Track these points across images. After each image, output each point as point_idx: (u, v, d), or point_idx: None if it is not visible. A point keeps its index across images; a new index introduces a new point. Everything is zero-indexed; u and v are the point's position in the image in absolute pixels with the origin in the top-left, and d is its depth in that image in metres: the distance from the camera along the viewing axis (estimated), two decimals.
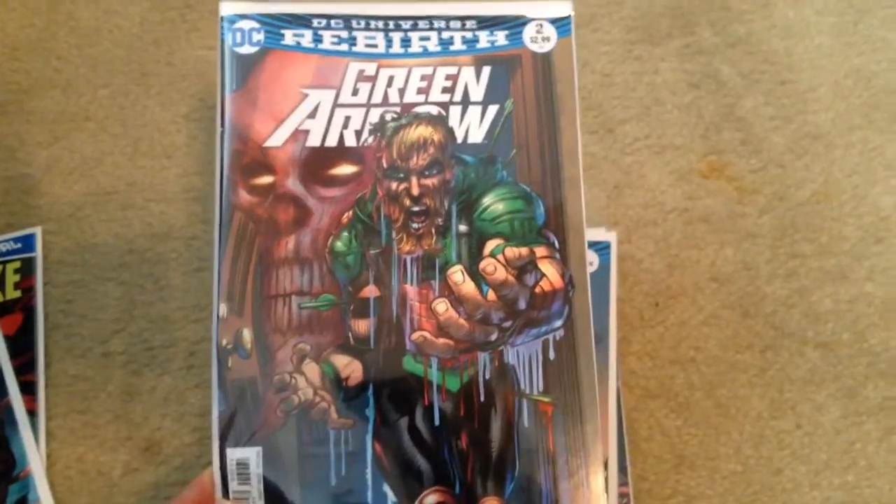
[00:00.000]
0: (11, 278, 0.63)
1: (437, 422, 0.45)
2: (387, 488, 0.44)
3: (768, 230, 0.66)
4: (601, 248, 0.64)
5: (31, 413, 0.60)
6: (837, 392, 0.63)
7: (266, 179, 0.47)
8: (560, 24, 0.50)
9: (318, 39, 0.49)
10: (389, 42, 0.49)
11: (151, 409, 0.61)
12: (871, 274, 0.65)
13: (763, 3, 0.73)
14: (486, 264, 0.46)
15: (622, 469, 0.60)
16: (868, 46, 0.72)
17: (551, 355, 0.46)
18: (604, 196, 0.67)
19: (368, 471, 0.44)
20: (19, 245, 0.64)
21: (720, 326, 0.64)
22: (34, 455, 0.59)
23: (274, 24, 0.49)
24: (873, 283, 0.65)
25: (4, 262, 0.63)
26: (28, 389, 0.60)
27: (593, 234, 0.65)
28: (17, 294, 0.63)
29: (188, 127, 0.68)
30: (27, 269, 0.63)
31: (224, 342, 0.45)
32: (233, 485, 0.43)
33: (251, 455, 0.44)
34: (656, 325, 0.64)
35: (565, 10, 0.51)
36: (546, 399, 0.45)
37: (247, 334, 0.45)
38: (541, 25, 0.50)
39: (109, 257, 0.64)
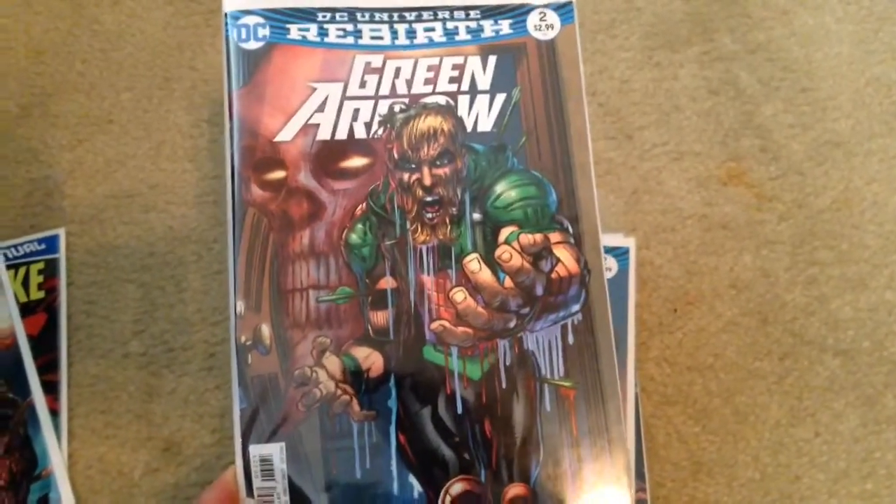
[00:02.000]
0: (35, 279, 0.64)
1: (459, 410, 0.45)
2: (412, 479, 0.44)
3: (787, 237, 0.66)
4: (620, 253, 0.64)
5: (54, 412, 0.60)
6: (857, 400, 0.62)
7: (278, 174, 0.47)
8: (563, 10, 0.51)
9: (323, 33, 0.49)
10: (395, 34, 0.50)
11: (171, 410, 0.61)
12: (892, 282, 0.65)
13: (783, 11, 0.73)
14: (502, 251, 0.46)
15: (640, 475, 0.59)
16: (889, 55, 0.72)
17: (570, 339, 0.46)
18: (622, 202, 0.67)
19: (393, 462, 0.44)
20: (43, 246, 0.64)
21: (739, 333, 0.64)
22: (56, 454, 0.59)
23: (279, 18, 0.49)
24: (893, 291, 0.65)
25: (28, 263, 0.64)
26: (50, 389, 0.61)
27: (612, 239, 0.65)
28: (41, 294, 0.63)
29: (210, 131, 0.68)
30: (50, 270, 0.64)
31: (243, 339, 0.45)
32: (257, 482, 0.43)
33: (274, 451, 0.44)
34: (675, 332, 0.64)
35: None
36: (567, 383, 0.46)
37: (266, 330, 0.45)
38: (544, 13, 0.51)
39: (131, 259, 0.65)
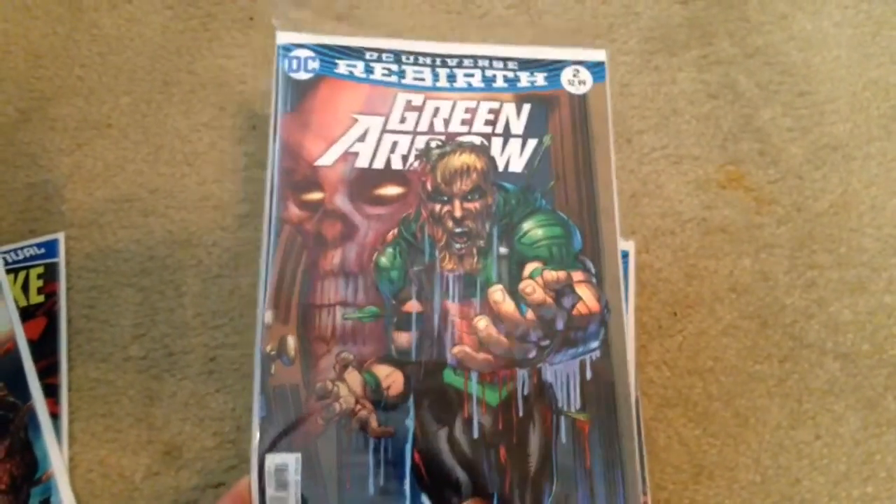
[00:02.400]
0: (35, 283, 0.63)
1: (476, 434, 0.45)
2: (425, 498, 0.45)
3: (786, 241, 0.66)
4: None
5: (54, 416, 0.60)
6: (857, 403, 0.62)
7: (315, 196, 0.49)
8: (596, 68, 0.54)
9: (369, 70, 0.52)
10: (436, 77, 0.52)
11: (172, 414, 0.61)
12: (890, 285, 0.65)
13: (781, 15, 0.73)
14: (525, 285, 0.48)
15: (640, 478, 0.59)
16: (887, 58, 0.72)
17: (588, 374, 0.47)
18: (622, 205, 0.67)
19: (407, 481, 0.44)
20: (43, 251, 0.64)
21: (738, 336, 0.64)
22: (57, 458, 0.59)
23: (329, 53, 0.52)
24: (892, 294, 0.65)
25: (28, 268, 0.64)
26: (51, 393, 0.60)
27: None
28: (41, 299, 0.63)
29: (209, 135, 0.68)
30: (50, 274, 0.64)
31: (268, 348, 0.46)
32: (270, 491, 0.44)
33: (290, 461, 0.44)
34: (675, 335, 0.64)
35: (601, 56, 0.54)
36: (583, 417, 0.46)
37: (291, 341, 0.46)
38: (577, 70, 0.53)
39: (131, 263, 0.64)
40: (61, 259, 0.64)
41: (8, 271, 0.64)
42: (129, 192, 0.67)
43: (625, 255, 0.65)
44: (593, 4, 0.74)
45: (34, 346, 0.61)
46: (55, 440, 0.59)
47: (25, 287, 0.63)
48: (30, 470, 0.58)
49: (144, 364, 0.62)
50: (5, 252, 0.64)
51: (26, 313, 0.63)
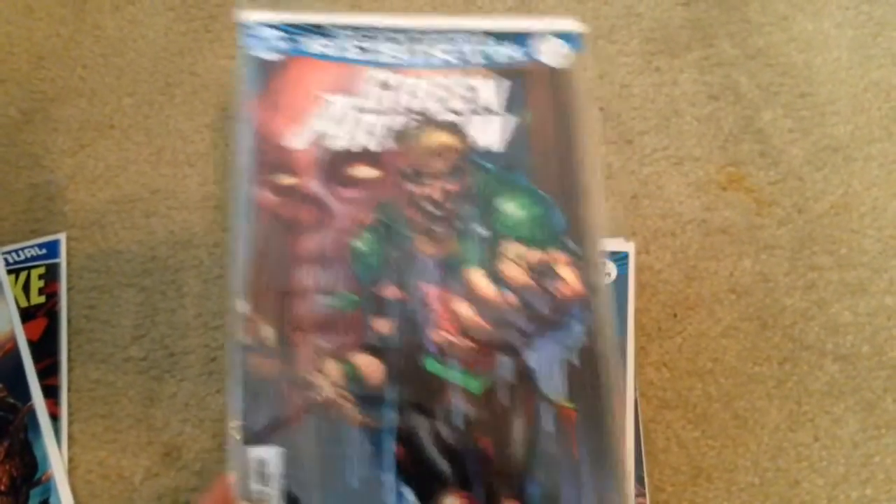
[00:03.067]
0: (36, 284, 0.64)
1: (458, 424, 0.45)
2: (407, 490, 0.44)
3: (787, 242, 0.66)
4: (619, 258, 0.64)
5: (54, 417, 0.60)
6: (856, 405, 0.62)
7: (289, 180, 0.47)
8: (574, 39, 0.52)
9: (339, 48, 0.50)
10: (410, 53, 0.51)
11: (172, 415, 0.61)
12: (891, 287, 0.65)
13: (782, 16, 0.73)
14: (506, 268, 0.46)
15: (639, 480, 0.59)
16: (888, 59, 0.72)
17: (573, 360, 0.46)
18: (622, 206, 0.67)
19: (389, 472, 0.44)
20: (44, 251, 0.65)
21: (738, 338, 0.64)
22: (56, 459, 0.59)
23: (297, 32, 0.50)
24: (893, 295, 0.65)
25: (29, 268, 0.64)
26: (51, 393, 0.61)
27: (611, 244, 0.65)
28: (42, 299, 0.63)
29: (211, 136, 0.68)
30: (51, 274, 0.64)
31: (245, 340, 0.45)
32: (252, 485, 0.43)
33: (271, 455, 0.44)
34: (674, 336, 0.64)
35: (578, 26, 0.52)
36: (569, 404, 0.45)
37: (268, 332, 0.45)
38: (556, 41, 0.52)
39: (132, 264, 0.65)
40: (62, 259, 0.65)
41: (9, 271, 0.64)
42: (131, 192, 0.67)
43: (625, 256, 0.65)
44: (595, 5, 0.74)
45: (34, 346, 0.62)
46: (55, 441, 0.59)
47: (26, 287, 0.64)
48: (29, 471, 0.59)
49: (145, 365, 0.62)
50: (7, 252, 0.64)
51: (27, 314, 0.63)
